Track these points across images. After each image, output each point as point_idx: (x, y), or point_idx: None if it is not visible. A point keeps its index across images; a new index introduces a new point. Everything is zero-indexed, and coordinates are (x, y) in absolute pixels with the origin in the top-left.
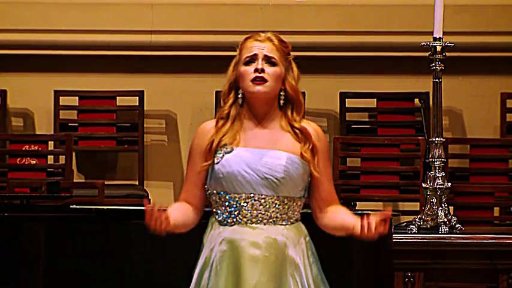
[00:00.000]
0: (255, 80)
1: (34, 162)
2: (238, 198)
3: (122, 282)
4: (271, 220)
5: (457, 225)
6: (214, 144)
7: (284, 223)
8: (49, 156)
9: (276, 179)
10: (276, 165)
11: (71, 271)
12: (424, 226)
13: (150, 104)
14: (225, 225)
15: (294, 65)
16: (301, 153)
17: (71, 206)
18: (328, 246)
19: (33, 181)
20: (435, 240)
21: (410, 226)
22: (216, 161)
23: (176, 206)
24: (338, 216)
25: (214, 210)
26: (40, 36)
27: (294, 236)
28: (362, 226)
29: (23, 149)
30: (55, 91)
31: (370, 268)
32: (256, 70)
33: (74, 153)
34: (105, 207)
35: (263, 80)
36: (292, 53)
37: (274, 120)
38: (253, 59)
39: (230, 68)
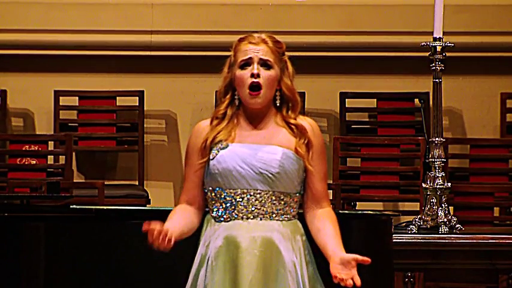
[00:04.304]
0: (251, 90)
1: (34, 162)
2: (234, 193)
3: (122, 282)
4: (267, 215)
5: (457, 225)
6: (209, 141)
7: (280, 219)
8: (49, 156)
9: (271, 174)
10: (271, 160)
11: (71, 271)
12: (424, 226)
13: (150, 104)
14: (221, 221)
15: (289, 64)
16: (296, 148)
17: (71, 206)
18: None
19: (33, 181)
20: (435, 240)
21: (410, 226)
22: (211, 157)
23: (179, 213)
24: (322, 234)
25: (209, 207)
26: (40, 36)
27: (290, 233)
28: (334, 276)
29: (23, 149)
30: (55, 91)
31: (370, 268)
32: (252, 75)
33: (74, 153)
34: (105, 207)
35: (258, 89)
36: (293, 53)
37: (270, 118)
38: (248, 62)
39: (225, 69)
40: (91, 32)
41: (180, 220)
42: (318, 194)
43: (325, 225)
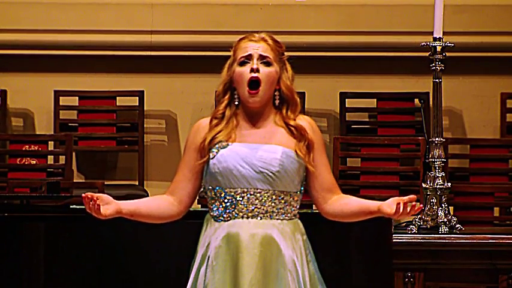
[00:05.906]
0: (250, 87)
1: (34, 162)
2: (234, 193)
3: (122, 282)
4: (267, 214)
5: (457, 225)
6: (207, 142)
7: (281, 218)
8: (49, 156)
9: (272, 173)
10: (271, 159)
11: (71, 271)
12: (424, 226)
13: (150, 104)
14: (221, 220)
15: (288, 65)
16: (296, 151)
17: (71, 206)
18: (327, 246)
19: (33, 181)
20: (435, 240)
21: (410, 226)
22: (211, 156)
23: (149, 198)
24: (353, 202)
25: (209, 206)
26: (40, 36)
27: (290, 231)
28: (398, 208)
29: (23, 149)
30: (55, 91)
31: (370, 268)
32: (251, 70)
33: (74, 153)
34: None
35: (257, 86)
36: (292, 53)
37: (269, 118)
38: (248, 59)
39: (225, 69)
40: (91, 32)
41: (141, 202)
42: (331, 184)
43: (350, 198)
